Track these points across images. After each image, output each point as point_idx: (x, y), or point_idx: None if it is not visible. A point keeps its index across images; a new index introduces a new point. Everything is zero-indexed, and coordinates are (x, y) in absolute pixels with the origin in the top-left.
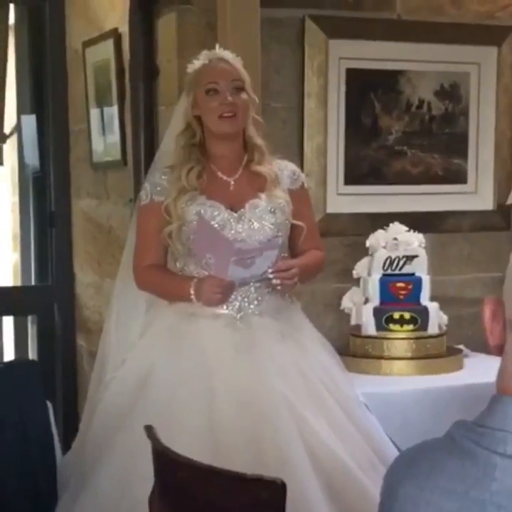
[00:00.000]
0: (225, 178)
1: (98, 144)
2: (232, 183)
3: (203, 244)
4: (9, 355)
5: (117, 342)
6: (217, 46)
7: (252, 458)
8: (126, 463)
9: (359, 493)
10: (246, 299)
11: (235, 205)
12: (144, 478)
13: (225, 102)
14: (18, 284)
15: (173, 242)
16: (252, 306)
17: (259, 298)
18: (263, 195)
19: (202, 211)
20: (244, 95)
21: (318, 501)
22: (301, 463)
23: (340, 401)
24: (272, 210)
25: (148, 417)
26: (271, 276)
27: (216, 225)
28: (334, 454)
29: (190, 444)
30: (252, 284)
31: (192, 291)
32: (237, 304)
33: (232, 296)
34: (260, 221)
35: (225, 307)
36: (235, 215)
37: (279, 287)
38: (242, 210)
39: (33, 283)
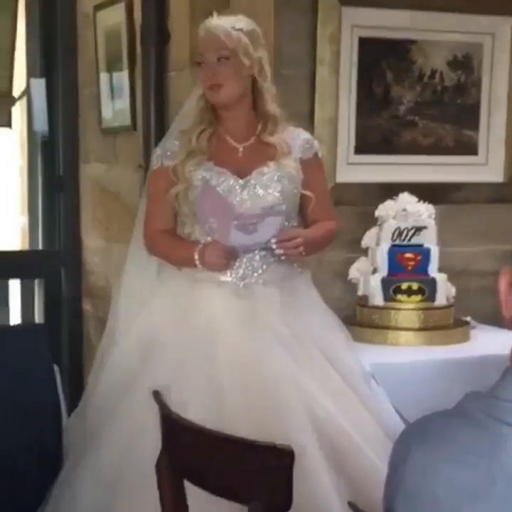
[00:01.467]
0: (234, 144)
1: (108, 109)
2: (241, 149)
3: (206, 208)
4: (16, 318)
5: (127, 307)
6: (215, 15)
7: (255, 423)
8: (130, 428)
9: (362, 463)
10: (250, 267)
11: (242, 172)
12: (148, 445)
13: (208, 73)
14: (26, 247)
15: (180, 204)
16: (255, 275)
17: (264, 266)
18: (271, 164)
19: (207, 176)
20: (232, 63)
21: (322, 469)
22: (304, 430)
23: (341, 372)
24: (279, 178)
25: (153, 382)
26: (274, 246)
27: (220, 191)
28: (337, 423)
29: (194, 409)
30: (257, 252)
31: (196, 257)
32: (241, 271)
33: (237, 264)
34: (265, 189)
35: (228, 274)
36: (240, 181)
37: (282, 257)
38: (248, 177)
39: (40, 247)
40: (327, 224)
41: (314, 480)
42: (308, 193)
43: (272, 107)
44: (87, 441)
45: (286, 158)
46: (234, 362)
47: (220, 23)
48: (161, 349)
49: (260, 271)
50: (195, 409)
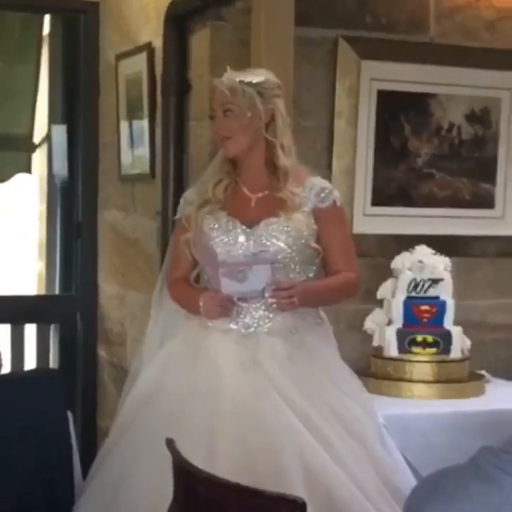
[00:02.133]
0: (248, 194)
1: (127, 157)
2: (254, 200)
3: (201, 257)
4: (31, 363)
5: (149, 359)
6: (228, 69)
7: (246, 470)
8: (125, 463)
9: None
10: (256, 317)
11: (252, 222)
12: (144, 478)
13: (214, 127)
14: (43, 293)
15: (191, 249)
16: (261, 324)
17: (271, 316)
18: (281, 215)
19: (216, 225)
20: (238, 117)
21: None
22: (295, 481)
23: (347, 427)
24: (287, 229)
25: (154, 420)
26: (267, 294)
27: (226, 240)
28: (333, 476)
29: (191, 451)
30: (264, 301)
31: (200, 303)
32: (246, 320)
33: (242, 312)
34: (271, 239)
35: (235, 323)
36: (248, 230)
37: (273, 306)
38: (256, 226)
39: (57, 292)
40: (345, 275)
41: None
42: (315, 245)
43: (283, 160)
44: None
45: (296, 212)
46: (231, 410)
47: (229, 77)
48: (163, 391)
49: (266, 320)
50: (189, 454)
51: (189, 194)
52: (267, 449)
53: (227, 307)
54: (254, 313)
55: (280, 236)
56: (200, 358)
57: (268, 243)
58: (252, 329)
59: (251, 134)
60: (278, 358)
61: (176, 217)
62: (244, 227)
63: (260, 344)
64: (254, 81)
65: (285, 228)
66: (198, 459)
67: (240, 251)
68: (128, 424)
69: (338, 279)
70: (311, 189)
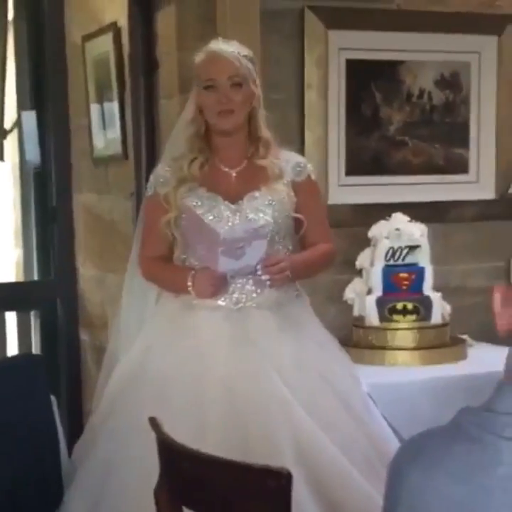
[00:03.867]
0: (226, 169)
1: (99, 139)
2: (234, 175)
3: (193, 235)
4: (13, 350)
5: (127, 336)
6: (219, 39)
7: (238, 445)
8: (113, 449)
9: (348, 487)
10: (244, 292)
11: (234, 198)
12: (133, 461)
13: (222, 99)
14: (21, 280)
15: (173, 231)
16: (250, 299)
17: (258, 290)
18: (263, 188)
19: (199, 203)
20: (244, 90)
21: (301, 493)
22: (286, 452)
23: (339, 394)
24: (271, 202)
25: (141, 401)
26: (259, 272)
27: (211, 217)
28: (322, 447)
29: (180, 428)
30: (249, 276)
31: (189, 283)
32: (235, 296)
33: (230, 289)
34: (257, 213)
35: (223, 299)
36: (232, 207)
37: (267, 282)
38: (240, 201)
39: (35, 278)
40: (323, 247)
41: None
42: (299, 216)
43: (265, 131)
44: (80, 461)
45: (277, 182)
46: (222, 384)
47: (230, 48)
48: (151, 370)
49: (254, 295)
50: (179, 431)
51: (161, 170)
52: (258, 425)
53: (220, 285)
54: (242, 288)
55: (266, 210)
56: (187, 336)
57: (255, 217)
58: (241, 304)
59: (248, 107)
60: (270, 331)
61: (147, 194)
62: (227, 202)
63: (251, 318)
64: (249, 55)
65: (270, 202)
66: (187, 437)
67: (238, 227)
68: (113, 409)
69: (319, 251)
70: (287, 162)
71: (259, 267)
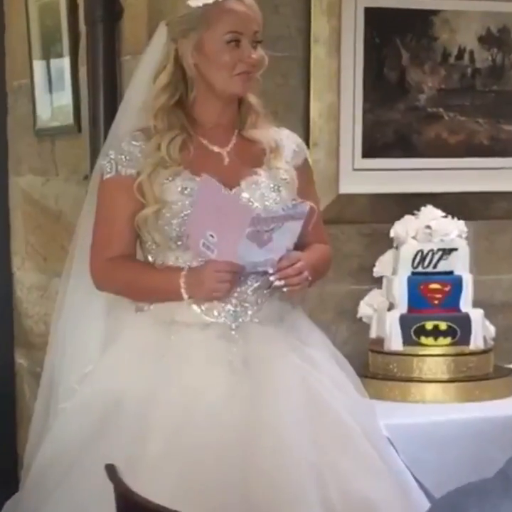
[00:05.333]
0: (216, 149)
1: (44, 105)
2: (225, 155)
3: (203, 216)
4: None
5: (70, 358)
6: None
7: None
8: (81, 503)
9: None
10: (243, 303)
11: (228, 183)
12: None
13: (248, 59)
14: None
15: (149, 231)
16: (250, 312)
17: (259, 301)
18: (262, 171)
19: (188, 189)
20: (260, 50)
21: None
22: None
23: (363, 429)
24: (276, 187)
25: (113, 455)
26: (272, 277)
27: None
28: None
29: (160, 491)
30: (249, 283)
31: (182, 284)
32: (232, 309)
33: (226, 298)
34: (262, 201)
35: (216, 313)
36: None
37: (283, 289)
38: (237, 189)
39: None
40: (321, 247)
41: None
42: (312, 204)
43: (253, 96)
44: None
45: (276, 159)
46: (221, 436)
47: None
48: (125, 416)
49: (255, 307)
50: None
51: (127, 145)
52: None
53: (235, 282)
54: (240, 299)
55: (271, 196)
56: (164, 366)
57: (258, 206)
58: (241, 320)
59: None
60: (277, 351)
61: (107, 175)
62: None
63: (253, 338)
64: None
65: (274, 186)
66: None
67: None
68: (76, 455)
69: (322, 253)
70: (287, 138)
71: (270, 271)
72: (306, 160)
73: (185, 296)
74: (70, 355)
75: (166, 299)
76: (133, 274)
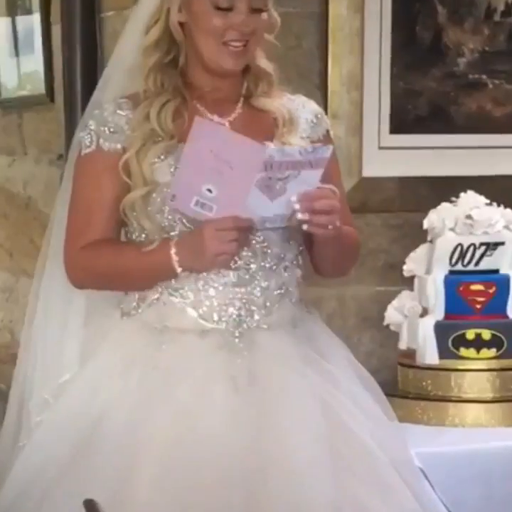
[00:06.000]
0: (216, 118)
1: (9, 72)
2: (228, 126)
3: (197, 168)
4: None
5: (43, 367)
6: None
7: None
8: None
9: None
10: (248, 305)
11: None
12: None
13: (241, 27)
14: None
15: (137, 218)
16: (257, 317)
17: (268, 303)
18: (273, 143)
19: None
20: (263, 18)
21: None
22: None
23: (391, 460)
24: None
25: (92, 489)
26: (296, 205)
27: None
28: None
29: None
30: (257, 282)
31: (173, 255)
32: (235, 312)
33: (227, 299)
34: None
35: (216, 317)
36: None
37: (305, 226)
38: None
39: None
40: (351, 229)
41: None
42: (329, 186)
43: (266, 61)
44: None
45: (290, 134)
46: (223, 470)
47: None
48: (108, 439)
49: (263, 310)
50: None
51: (111, 115)
52: None
53: (245, 241)
54: (245, 299)
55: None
56: (154, 382)
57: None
58: (245, 325)
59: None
60: (289, 364)
61: (86, 150)
62: None
63: (261, 347)
64: None
65: None
66: None
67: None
68: (48, 488)
69: (352, 232)
70: (297, 111)
71: (293, 199)
72: (327, 133)
73: (177, 269)
74: (43, 363)
75: (156, 278)
76: (112, 256)
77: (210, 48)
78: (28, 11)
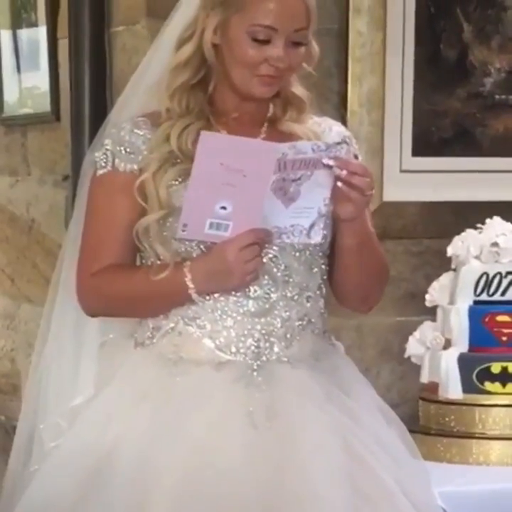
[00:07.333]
0: None
1: (11, 88)
2: None
3: (208, 187)
4: None
5: (55, 397)
6: None
7: None
8: None
9: None
10: (267, 336)
11: None
12: None
13: (277, 63)
14: None
15: (151, 243)
16: (277, 349)
17: (288, 335)
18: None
19: None
20: (301, 51)
21: None
22: None
23: (413, 502)
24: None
25: None
26: (330, 161)
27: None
28: None
29: None
30: (277, 312)
31: (190, 283)
32: (254, 344)
33: (246, 330)
34: None
35: (233, 349)
36: None
37: (339, 183)
38: None
39: None
40: (379, 249)
41: None
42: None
43: (299, 87)
44: None
45: None
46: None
47: None
48: (121, 474)
49: (283, 342)
50: None
51: (128, 134)
52: None
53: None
54: (264, 331)
55: None
56: (168, 417)
57: None
58: (264, 358)
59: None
60: (311, 401)
61: (100, 171)
62: None
63: (281, 382)
64: None
65: None
66: None
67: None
68: None
69: (378, 246)
70: (329, 129)
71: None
72: (355, 157)
73: (193, 295)
74: (55, 387)
75: (170, 306)
76: (124, 281)
77: (242, 77)
78: (33, 24)
